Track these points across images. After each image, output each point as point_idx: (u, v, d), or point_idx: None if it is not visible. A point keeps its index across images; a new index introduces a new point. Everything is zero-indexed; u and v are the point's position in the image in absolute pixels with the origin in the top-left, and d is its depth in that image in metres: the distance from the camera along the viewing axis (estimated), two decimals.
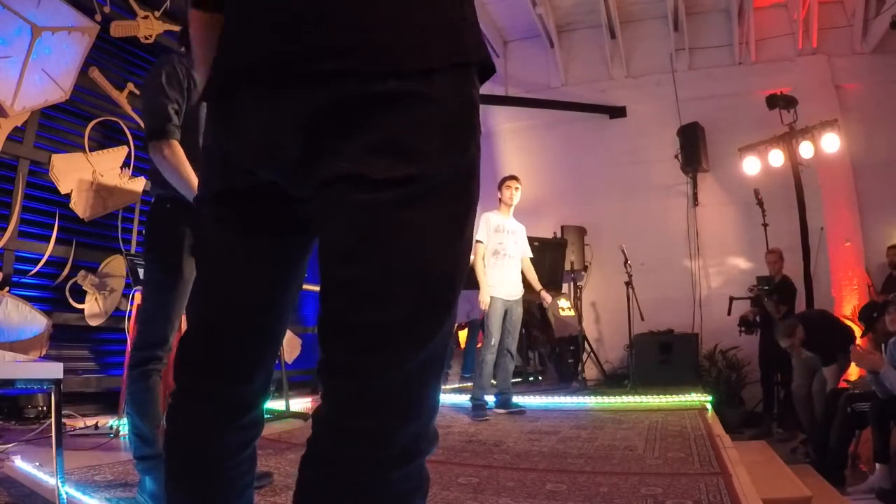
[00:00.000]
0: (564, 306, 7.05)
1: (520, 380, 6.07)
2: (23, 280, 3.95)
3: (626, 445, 3.04)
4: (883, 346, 3.80)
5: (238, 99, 0.80)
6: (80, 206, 4.23)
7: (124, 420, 2.97)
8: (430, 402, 0.75)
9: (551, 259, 6.19)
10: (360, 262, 0.71)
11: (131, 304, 3.32)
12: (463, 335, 6.72)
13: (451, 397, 4.75)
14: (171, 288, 1.91)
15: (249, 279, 0.89)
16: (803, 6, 6.65)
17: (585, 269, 7.29)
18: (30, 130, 3.99)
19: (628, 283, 6.16)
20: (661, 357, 6.13)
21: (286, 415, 3.88)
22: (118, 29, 4.44)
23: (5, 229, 3.85)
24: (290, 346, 5.49)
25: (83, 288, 4.24)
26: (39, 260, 4.02)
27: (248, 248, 0.88)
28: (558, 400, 4.96)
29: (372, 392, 0.71)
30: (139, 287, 3.27)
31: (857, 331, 4.93)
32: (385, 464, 0.70)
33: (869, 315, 4.74)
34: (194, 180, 1.87)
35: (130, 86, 4.59)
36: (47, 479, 2.11)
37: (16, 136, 3.90)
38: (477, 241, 4.25)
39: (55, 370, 1.82)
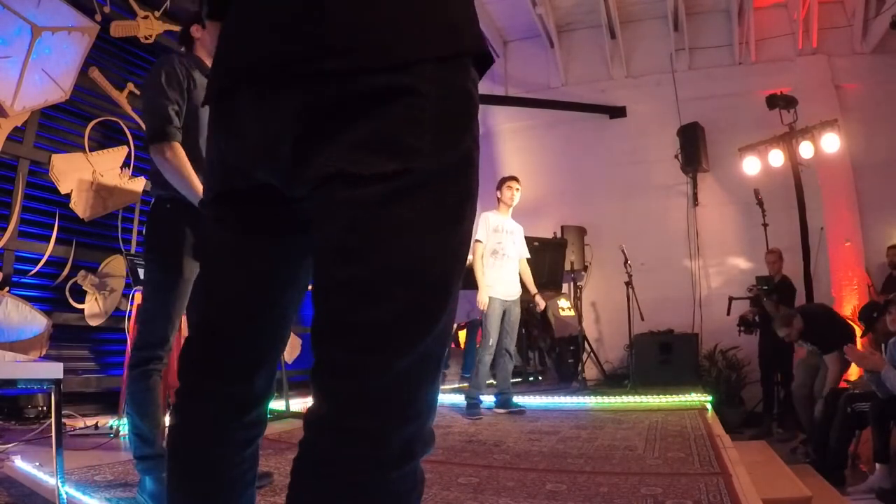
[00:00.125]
0: (564, 306, 7.05)
1: (520, 380, 6.07)
2: (23, 280, 3.95)
3: (626, 445, 3.04)
4: (883, 346, 3.80)
5: (237, 99, 0.80)
6: (80, 206, 4.23)
7: (124, 420, 2.97)
8: (428, 401, 0.74)
9: (551, 259, 6.19)
10: (353, 261, 0.70)
11: (131, 304, 3.32)
12: (463, 335, 6.72)
13: (451, 397, 4.74)
14: (172, 288, 1.91)
15: (250, 279, 0.89)
16: (803, 6, 6.65)
17: (585, 269, 7.29)
18: (30, 130, 3.99)
19: (628, 283, 6.16)
20: (661, 357, 6.13)
21: (286, 415, 3.88)
22: (118, 29, 4.44)
23: (5, 229, 3.85)
24: (290, 346, 5.50)
25: (83, 288, 4.24)
26: (39, 260, 4.02)
27: (248, 248, 0.89)
28: (558, 400, 4.96)
29: (371, 392, 0.70)
30: (139, 287, 3.28)
31: (858, 331, 4.93)
32: (385, 464, 0.70)
33: (869, 315, 4.74)
34: (196, 182, 1.87)
35: (130, 86, 4.59)
36: (47, 479, 2.11)
37: (16, 136, 3.90)
38: (476, 241, 4.25)
39: (55, 370, 1.82)
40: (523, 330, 6.26)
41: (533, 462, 2.70)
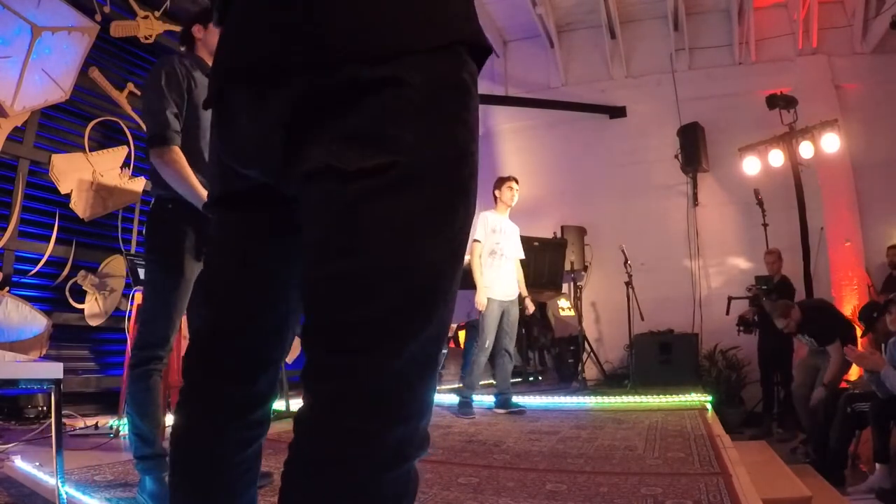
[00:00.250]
0: (564, 306, 7.05)
1: (520, 380, 6.07)
2: (23, 280, 3.96)
3: (626, 445, 3.04)
4: (883, 345, 3.80)
5: (235, 100, 0.81)
6: (80, 206, 4.23)
7: (124, 420, 2.97)
8: (423, 402, 0.72)
9: (551, 259, 6.18)
10: (340, 258, 0.69)
11: (131, 304, 3.32)
12: (462, 335, 6.72)
13: (450, 398, 4.74)
14: (173, 288, 1.92)
15: (251, 280, 0.89)
16: (803, 6, 6.65)
17: (585, 269, 7.28)
18: (30, 130, 4.00)
19: (628, 283, 6.16)
20: (661, 357, 6.12)
21: (286, 415, 3.88)
22: (118, 29, 4.44)
23: (5, 229, 3.86)
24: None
25: (83, 288, 4.24)
26: (39, 260, 4.02)
27: (249, 249, 0.89)
28: (558, 400, 4.96)
29: (362, 392, 0.68)
30: (139, 287, 3.28)
31: (858, 331, 4.93)
32: (377, 465, 0.68)
33: (869, 315, 4.74)
34: (196, 184, 1.88)
35: (130, 86, 4.59)
36: (47, 479, 2.11)
37: (16, 136, 3.90)
38: (474, 241, 4.23)
39: (55, 370, 1.82)
40: (523, 330, 6.26)
41: (533, 462, 2.70)
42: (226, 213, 0.90)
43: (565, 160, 7.68)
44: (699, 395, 4.82)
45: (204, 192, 1.86)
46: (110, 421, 3.30)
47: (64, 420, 2.34)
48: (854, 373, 4.82)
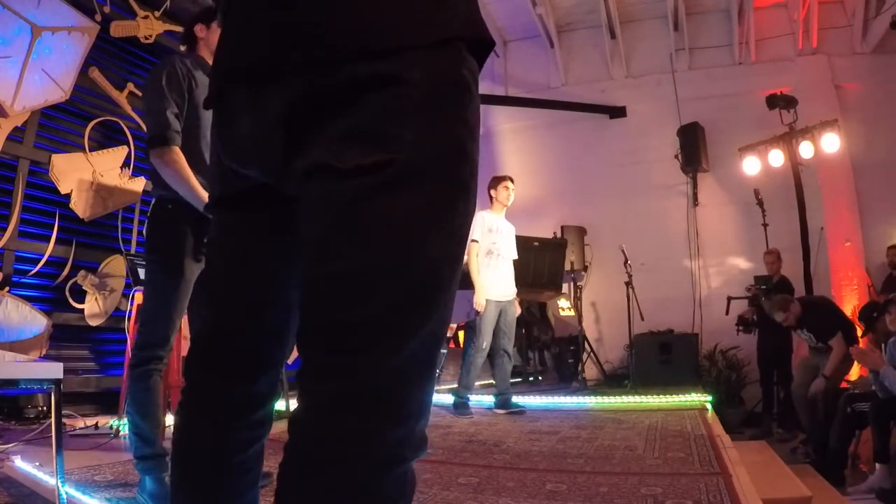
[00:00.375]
0: (564, 306, 7.05)
1: (520, 380, 6.07)
2: (23, 280, 3.96)
3: (626, 445, 3.04)
4: (883, 346, 3.80)
5: (234, 100, 0.80)
6: (80, 206, 4.23)
7: (124, 420, 2.97)
8: (420, 403, 0.72)
9: (551, 259, 6.17)
10: (337, 257, 0.69)
11: (131, 304, 3.32)
12: (462, 335, 6.72)
13: (449, 398, 4.74)
14: (173, 288, 1.92)
15: (252, 279, 0.89)
16: (803, 6, 6.65)
17: (585, 269, 7.28)
18: (30, 130, 3.99)
19: (628, 283, 6.16)
20: (661, 357, 6.12)
21: (286, 415, 3.88)
22: (118, 29, 4.44)
23: (5, 229, 3.86)
24: None
25: (83, 288, 4.24)
26: (39, 260, 4.02)
27: (249, 248, 0.89)
28: (558, 400, 4.96)
29: (358, 392, 0.68)
30: (139, 287, 3.28)
31: (858, 331, 4.93)
32: (373, 466, 0.68)
33: (869, 315, 4.74)
34: (196, 185, 1.88)
35: (130, 86, 4.59)
36: (47, 479, 2.10)
37: (16, 136, 3.90)
38: (472, 241, 4.21)
39: (55, 370, 1.82)
40: (523, 330, 6.26)
41: (533, 462, 2.70)
42: (226, 213, 0.90)
43: (565, 160, 7.68)
44: (699, 395, 4.82)
45: (204, 193, 1.86)
46: (110, 421, 3.30)
47: (64, 420, 2.34)
48: (854, 373, 4.82)
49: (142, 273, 3.35)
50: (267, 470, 2.48)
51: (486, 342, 4.20)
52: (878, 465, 3.45)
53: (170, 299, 1.92)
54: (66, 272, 4.15)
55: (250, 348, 0.90)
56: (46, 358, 3.64)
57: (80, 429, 3.30)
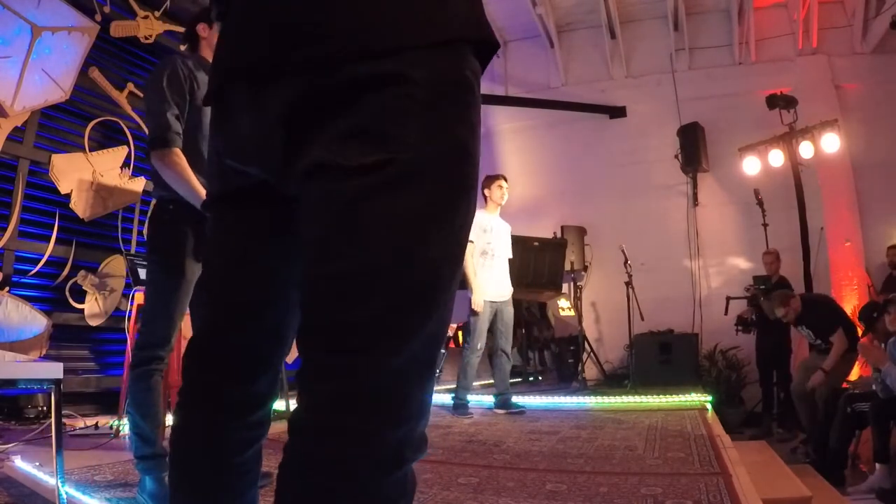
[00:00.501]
0: (564, 306, 7.05)
1: (520, 380, 6.07)
2: (23, 280, 3.96)
3: (626, 445, 3.04)
4: (883, 345, 3.80)
5: (234, 98, 0.80)
6: (80, 206, 4.23)
7: (124, 420, 2.97)
8: (420, 404, 0.72)
9: (551, 259, 6.18)
10: (337, 257, 0.68)
11: (131, 304, 3.32)
12: (462, 336, 6.72)
13: (448, 398, 4.74)
14: (174, 289, 1.92)
15: (251, 279, 0.89)
16: (803, 6, 6.66)
17: (585, 269, 7.29)
18: (30, 130, 3.99)
19: (628, 283, 6.16)
20: (661, 357, 6.13)
21: (286, 415, 3.88)
22: (118, 29, 4.44)
23: (5, 229, 3.86)
24: None
25: (83, 288, 4.24)
26: (39, 260, 4.02)
27: (248, 247, 0.88)
28: (558, 400, 4.96)
29: (358, 393, 0.68)
30: (139, 287, 3.28)
31: (858, 331, 4.94)
32: (373, 468, 0.68)
33: (869, 315, 4.74)
34: (197, 185, 1.88)
35: (130, 86, 4.59)
36: (47, 479, 2.11)
37: (16, 136, 3.90)
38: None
39: (55, 370, 1.82)
40: (523, 330, 6.26)
41: (533, 462, 2.70)
42: (225, 211, 0.89)
43: (565, 160, 7.68)
44: (699, 395, 4.82)
45: (205, 194, 1.86)
46: (110, 421, 3.30)
47: (64, 420, 2.34)
48: (854, 373, 4.82)
49: (142, 273, 3.36)
50: (267, 470, 2.48)
51: (480, 342, 4.19)
52: (878, 465, 3.45)
53: (170, 299, 1.92)
54: (66, 272, 4.16)
55: (250, 348, 0.90)
56: (46, 358, 3.64)
57: (80, 429, 3.30)
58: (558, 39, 7.67)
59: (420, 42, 0.70)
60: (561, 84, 7.82)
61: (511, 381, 4.49)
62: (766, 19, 7.05)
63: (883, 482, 3.38)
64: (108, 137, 4.53)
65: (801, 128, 6.03)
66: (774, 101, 6.08)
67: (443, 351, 5.02)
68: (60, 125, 4.25)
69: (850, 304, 6.10)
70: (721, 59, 7.25)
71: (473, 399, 4.42)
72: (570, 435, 3.39)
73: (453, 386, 4.33)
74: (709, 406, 4.47)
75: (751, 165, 6.43)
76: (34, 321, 3.78)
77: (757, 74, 6.95)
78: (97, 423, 3.35)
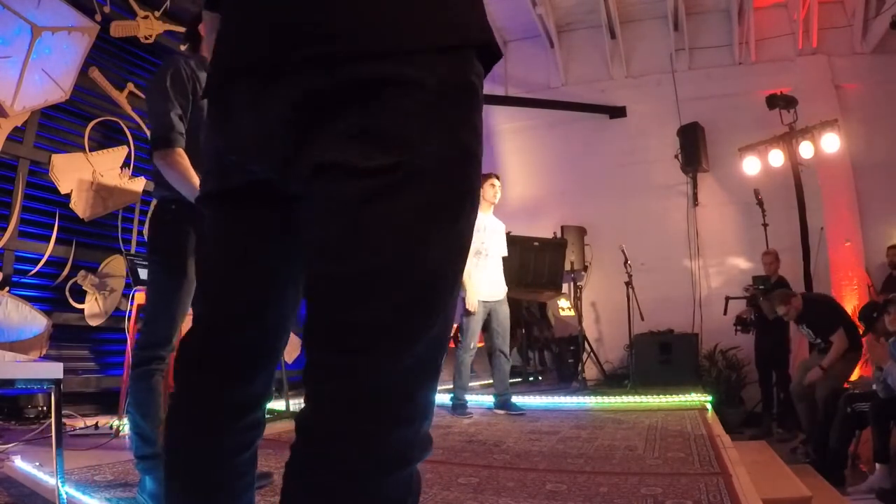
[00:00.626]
0: (564, 306, 7.05)
1: (520, 380, 6.07)
2: (23, 280, 3.95)
3: (626, 445, 3.04)
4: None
5: (234, 94, 0.80)
6: (80, 206, 4.23)
7: (124, 420, 2.97)
8: (424, 404, 0.72)
9: (551, 259, 6.18)
10: (344, 258, 0.69)
11: (131, 304, 3.32)
12: None
13: (447, 398, 4.74)
14: (176, 289, 1.92)
15: (251, 277, 0.89)
16: (803, 6, 6.66)
17: (585, 269, 7.29)
18: (30, 130, 3.99)
19: (628, 283, 6.16)
20: (661, 357, 6.13)
21: (286, 415, 3.88)
22: (118, 29, 4.44)
23: (5, 229, 3.85)
24: (290, 346, 5.49)
25: (83, 288, 4.24)
26: (39, 260, 4.02)
27: (249, 245, 0.88)
28: (558, 400, 4.95)
29: (364, 393, 0.68)
30: (139, 287, 3.28)
31: (860, 331, 4.94)
32: (379, 468, 0.68)
33: (869, 315, 4.74)
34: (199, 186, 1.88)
35: (130, 86, 4.59)
36: (47, 479, 2.10)
37: (16, 136, 3.90)
38: None
39: (55, 370, 1.82)
40: (523, 330, 6.26)
41: (533, 462, 2.70)
42: (223, 210, 0.89)
43: (565, 160, 7.68)
44: (699, 395, 4.82)
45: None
46: (110, 421, 3.30)
47: (64, 420, 2.34)
48: (854, 373, 4.82)
49: (142, 273, 3.36)
50: (267, 470, 2.47)
51: (473, 342, 4.20)
52: (878, 465, 3.45)
53: (172, 299, 1.93)
54: (66, 272, 4.15)
55: (249, 347, 0.89)
56: (46, 358, 3.64)
57: (80, 429, 3.30)
58: (558, 39, 7.67)
59: (428, 45, 0.71)
60: (561, 84, 7.83)
61: (511, 381, 4.48)
62: (766, 19, 7.06)
63: (883, 482, 3.38)
64: (108, 137, 4.53)
65: (801, 128, 6.03)
66: (774, 101, 6.08)
67: None
68: (60, 125, 4.25)
69: (850, 304, 6.10)
70: (721, 59, 7.25)
71: (474, 399, 4.42)
72: (570, 435, 3.39)
73: (451, 386, 4.33)
74: (709, 406, 4.47)
75: (751, 165, 6.43)
76: (34, 321, 3.78)
77: (757, 74, 6.96)
78: (97, 423, 3.35)
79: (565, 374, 6.52)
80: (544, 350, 7.06)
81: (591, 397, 5.14)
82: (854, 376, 4.80)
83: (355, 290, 0.68)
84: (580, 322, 6.29)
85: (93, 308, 4.28)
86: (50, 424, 1.99)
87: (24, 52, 3.85)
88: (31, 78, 3.88)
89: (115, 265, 4.44)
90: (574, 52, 7.83)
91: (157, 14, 4.68)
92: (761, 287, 5.55)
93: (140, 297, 3.18)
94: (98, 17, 4.25)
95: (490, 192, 4.35)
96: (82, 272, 4.24)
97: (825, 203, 6.51)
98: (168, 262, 1.94)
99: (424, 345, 0.70)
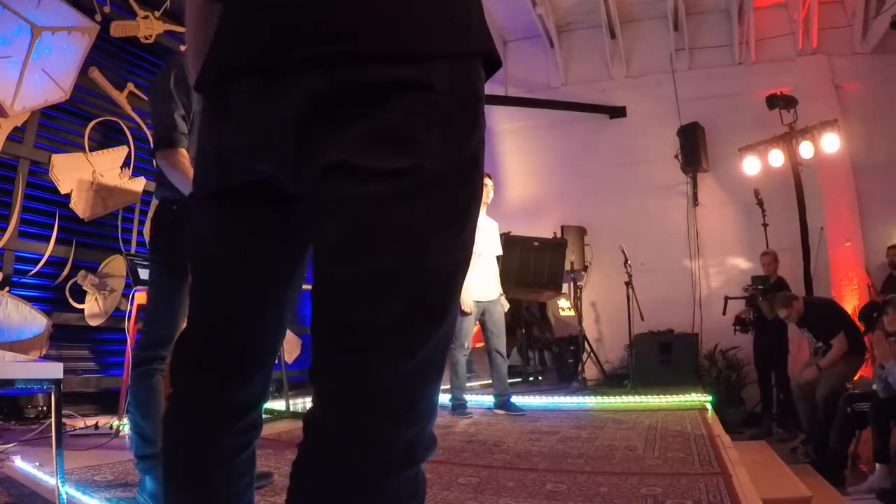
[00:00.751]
0: (564, 306, 7.05)
1: (520, 380, 6.07)
2: (23, 280, 3.95)
3: (626, 445, 3.05)
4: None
5: (234, 94, 0.79)
6: (80, 206, 4.23)
7: (125, 420, 2.97)
8: (430, 404, 0.72)
9: (551, 259, 6.18)
10: (354, 259, 0.69)
11: (131, 304, 3.32)
12: None
13: (446, 398, 4.74)
14: (177, 289, 1.92)
15: (251, 277, 0.88)
16: (803, 6, 6.66)
17: (585, 269, 7.29)
18: (30, 130, 3.99)
19: (628, 283, 6.16)
20: (661, 357, 6.13)
21: (286, 415, 3.88)
22: (118, 29, 4.44)
23: (5, 229, 3.85)
24: (290, 346, 5.49)
25: (83, 288, 4.24)
26: (39, 260, 4.02)
27: (249, 245, 0.87)
28: (558, 400, 4.96)
29: (371, 394, 0.68)
30: (139, 287, 3.28)
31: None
32: (386, 467, 0.68)
33: (869, 315, 4.75)
34: None
35: (130, 86, 4.59)
36: (47, 479, 2.11)
37: (16, 136, 3.90)
38: None
39: (55, 370, 1.82)
40: (523, 330, 6.26)
41: (533, 462, 2.70)
42: (223, 209, 0.87)
43: (565, 160, 7.68)
44: (699, 395, 4.82)
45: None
46: (110, 421, 3.30)
47: (64, 420, 2.34)
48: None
49: (142, 273, 3.36)
50: (267, 470, 2.47)
51: (466, 342, 4.21)
52: (878, 465, 3.45)
53: (173, 299, 1.93)
54: (66, 272, 4.15)
55: (249, 347, 0.89)
56: (46, 358, 3.64)
57: (80, 429, 3.30)
58: (558, 39, 7.67)
59: (445, 52, 0.72)
60: (561, 84, 7.83)
61: (511, 381, 4.48)
62: (766, 19, 7.06)
63: (883, 482, 3.38)
64: (108, 137, 4.53)
65: (801, 128, 6.03)
66: (774, 101, 6.08)
67: None
68: (60, 125, 4.25)
69: (850, 304, 6.10)
70: (721, 59, 7.25)
71: (474, 399, 4.42)
72: (570, 435, 3.39)
73: (448, 386, 4.33)
74: (709, 406, 4.47)
75: (751, 165, 6.44)
76: (34, 321, 3.78)
77: (757, 74, 6.96)
78: (97, 423, 3.35)
79: (565, 374, 6.52)
80: (544, 350, 7.06)
81: (591, 397, 5.14)
82: (854, 376, 4.80)
83: (358, 290, 0.69)
84: (580, 322, 6.29)
85: (93, 308, 4.28)
86: (50, 424, 1.99)
87: (24, 52, 3.85)
88: (31, 78, 3.88)
89: (115, 265, 4.44)
90: (574, 52, 7.83)
91: (157, 14, 4.68)
92: (760, 287, 5.55)
93: (140, 297, 3.18)
94: (98, 17, 4.25)
95: (483, 193, 4.34)
96: (82, 272, 4.24)
97: (825, 203, 6.51)
98: (170, 261, 1.94)
99: (427, 346, 0.70)
